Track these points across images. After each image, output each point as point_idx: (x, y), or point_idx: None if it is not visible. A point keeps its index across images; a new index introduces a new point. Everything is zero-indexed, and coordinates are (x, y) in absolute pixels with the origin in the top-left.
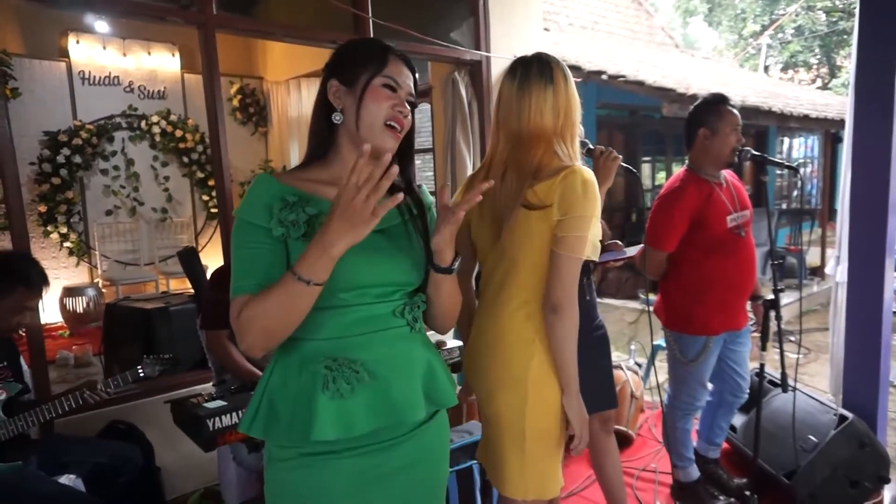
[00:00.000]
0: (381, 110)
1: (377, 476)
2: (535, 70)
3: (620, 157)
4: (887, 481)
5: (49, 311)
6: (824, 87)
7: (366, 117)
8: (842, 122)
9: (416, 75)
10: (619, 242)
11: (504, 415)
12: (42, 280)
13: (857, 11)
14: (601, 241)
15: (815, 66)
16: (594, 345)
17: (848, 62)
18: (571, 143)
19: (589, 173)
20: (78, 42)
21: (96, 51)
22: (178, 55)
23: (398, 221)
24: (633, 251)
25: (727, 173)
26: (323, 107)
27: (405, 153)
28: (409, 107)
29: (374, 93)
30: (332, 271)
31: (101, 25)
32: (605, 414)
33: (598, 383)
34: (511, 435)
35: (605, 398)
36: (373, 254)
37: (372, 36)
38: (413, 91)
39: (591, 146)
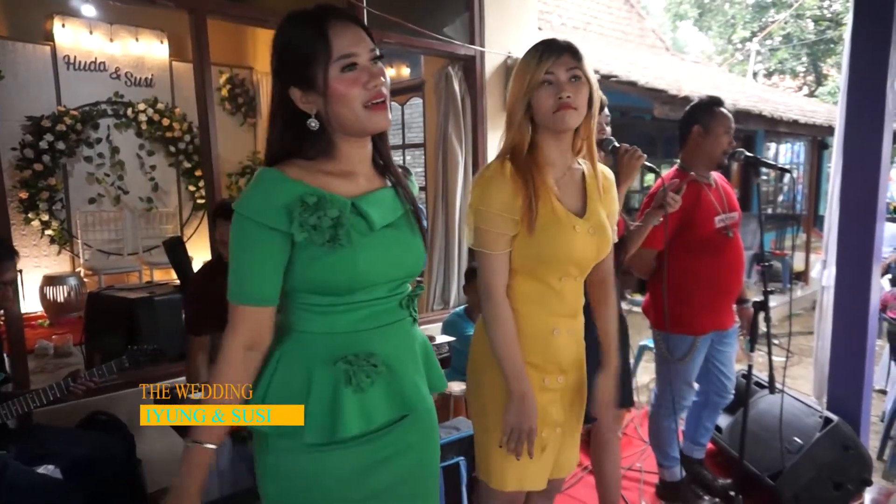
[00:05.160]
0: (355, 97)
1: (378, 459)
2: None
3: (644, 155)
4: (869, 483)
5: (29, 300)
6: (811, 94)
7: (344, 113)
8: (829, 129)
9: (365, 25)
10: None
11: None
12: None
13: (849, 17)
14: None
15: (801, 74)
16: None
17: (834, 71)
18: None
19: (489, 165)
20: (63, 26)
21: (82, 35)
22: (166, 42)
23: (402, 212)
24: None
25: (717, 176)
26: (292, 116)
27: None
28: (377, 66)
29: (338, 85)
30: (351, 272)
31: (88, 9)
32: (615, 412)
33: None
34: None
35: (620, 396)
36: (388, 250)
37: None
38: (372, 45)
39: (615, 144)
